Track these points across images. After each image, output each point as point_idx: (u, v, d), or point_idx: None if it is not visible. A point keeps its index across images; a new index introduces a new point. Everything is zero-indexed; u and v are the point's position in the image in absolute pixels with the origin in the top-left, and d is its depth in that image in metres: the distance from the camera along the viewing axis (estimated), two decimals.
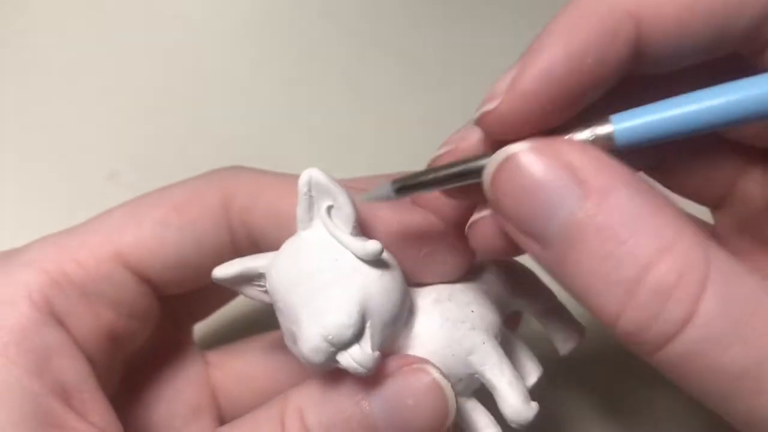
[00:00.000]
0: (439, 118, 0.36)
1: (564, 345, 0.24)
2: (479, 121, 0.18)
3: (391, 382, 0.20)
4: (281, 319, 0.20)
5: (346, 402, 0.20)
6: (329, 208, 0.20)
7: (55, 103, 0.37)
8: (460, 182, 0.19)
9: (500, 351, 0.21)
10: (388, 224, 0.21)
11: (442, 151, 0.20)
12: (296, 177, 0.22)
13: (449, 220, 0.22)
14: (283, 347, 0.25)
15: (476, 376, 0.21)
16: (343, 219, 0.20)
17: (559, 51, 0.17)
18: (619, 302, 0.16)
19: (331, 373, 0.20)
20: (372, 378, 0.19)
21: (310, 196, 0.20)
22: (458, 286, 0.22)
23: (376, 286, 0.19)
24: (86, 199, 0.35)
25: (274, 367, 0.26)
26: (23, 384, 0.20)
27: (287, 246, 0.21)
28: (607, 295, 0.16)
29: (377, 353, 0.19)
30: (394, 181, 0.19)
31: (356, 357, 0.19)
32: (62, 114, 0.37)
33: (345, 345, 0.19)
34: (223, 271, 0.21)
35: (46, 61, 0.38)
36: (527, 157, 0.17)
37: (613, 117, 0.17)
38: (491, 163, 0.17)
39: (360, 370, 0.19)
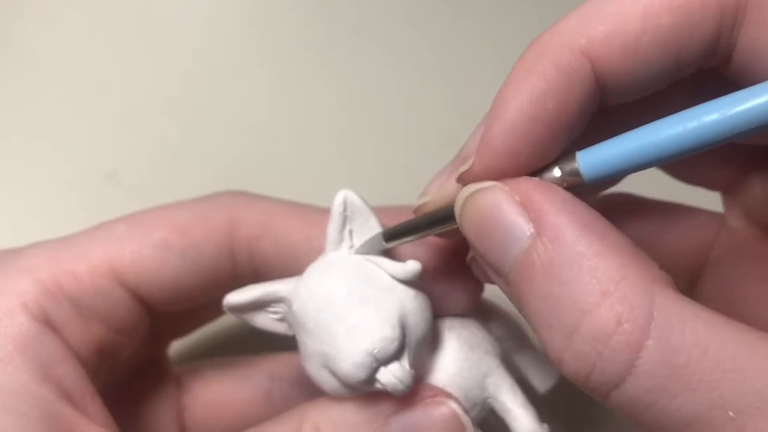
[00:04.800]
0: (440, 119, 0.37)
1: (542, 383, 0.24)
2: (459, 180, 0.19)
3: (412, 412, 0.20)
4: (308, 341, 0.20)
5: (365, 427, 0.20)
6: (351, 232, 0.21)
7: (54, 102, 0.37)
8: (442, 228, 0.19)
9: (511, 375, 0.22)
10: (420, 244, 0.22)
11: (420, 201, 0.20)
12: (304, 206, 0.23)
13: (459, 258, 0.22)
14: (256, 378, 0.26)
15: (489, 400, 0.21)
16: (371, 242, 0.21)
17: (518, 103, 0.17)
18: (559, 347, 0.16)
19: (349, 398, 0.20)
20: (392, 406, 0.20)
21: (345, 217, 0.20)
22: (468, 319, 0.23)
23: (412, 305, 0.20)
24: (85, 199, 0.35)
25: (245, 399, 0.26)
26: (32, 391, 0.20)
27: (316, 266, 0.21)
28: (550, 337, 0.16)
29: (413, 371, 0.19)
30: (384, 232, 0.20)
31: (398, 374, 0.19)
32: (61, 114, 0.36)
33: (388, 360, 0.19)
34: (238, 297, 0.21)
35: (45, 60, 0.38)
36: (484, 195, 0.17)
37: (579, 153, 0.17)
38: (457, 202, 0.18)
39: (400, 387, 0.19)
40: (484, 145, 0.18)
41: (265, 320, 0.21)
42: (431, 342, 0.21)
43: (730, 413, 0.14)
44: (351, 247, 0.21)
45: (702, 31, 0.17)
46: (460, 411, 0.20)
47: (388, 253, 0.21)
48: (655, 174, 0.21)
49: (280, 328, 0.21)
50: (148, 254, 0.22)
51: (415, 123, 0.37)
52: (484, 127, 0.18)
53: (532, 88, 0.17)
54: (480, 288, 0.22)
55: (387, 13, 0.40)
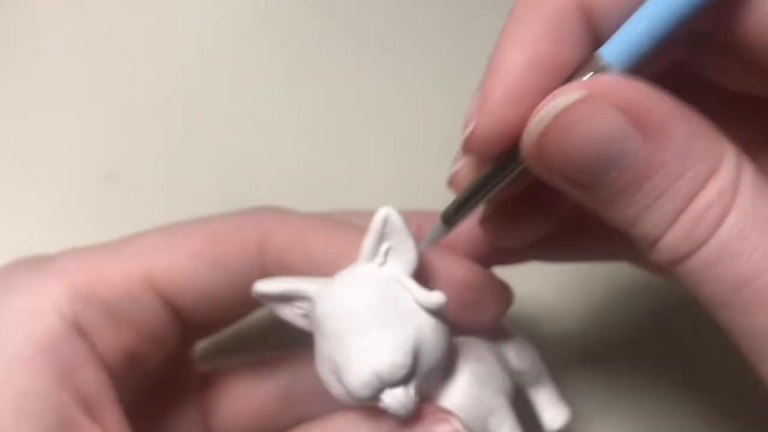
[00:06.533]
0: (444, 120, 0.36)
1: (552, 422, 0.25)
2: (465, 148, 0.18)
3: (414, 428, 0.20)
4: (323, 345, 0.20)
5: None
6: (389, 249, 0.21)
7: (54, 102, 0.37)
8: (500, 181, 0.19)
9: (515, 416, 0.22)
10: (446, 276, 0.22)
11: (454, 168, 0.20)
12: (336, 223, 0.23)
13: (487, 270, 0.23)
14: (278, 374, 0.26)
15: None
16: (404, 262, 0.21)
17: (510, 51, 0.17)
18: (663, 228, 0.17)
19: (350, 412, 0.21)
20: (394, 423, 0.20)
21: (383, 233, 0.21)
22: (483, 345, 0.23)
23: (429, 334, 0.20)
24: (85, 200, 0.35)
25: (266, 396, 0.26)
26: (48, 395, 0.20)
27: (344, 276, 0.21)
28: (652, 223, 0.17)
29: (418, 398, 0.19)
30: (443, 215, 0.20)
31: (401, 398, 0.19)
32: (61, 114, 0.36)
33: (394, 384, 0.19)
34: (267, 286, 0.22)
35: (44, 60, 0.38)
36: (584, 109, 0.16)
37: (600, 51, 0.17)
38: (538, 122, 0.17)
39: (401, 411, 0.19)
40: (483, 101, 0.17)
41: (289, 313, 0.22)
42: (444, 370, 0.21)
43: None
44: (382, 263, 0.21)
45: None
46: (462, 429, 0.20)
47: (419, 276, 0.21)
48: None
49: (302, 323, 0.22)
50: (182, 262, 0.23)
51: (418, 125, 0.37)
52: (482, 86, 0.18)
53: (523, 34, 0.17)
54: (509, 300, 0.23)
55: (390, 17, 0.40)
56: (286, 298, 0.22)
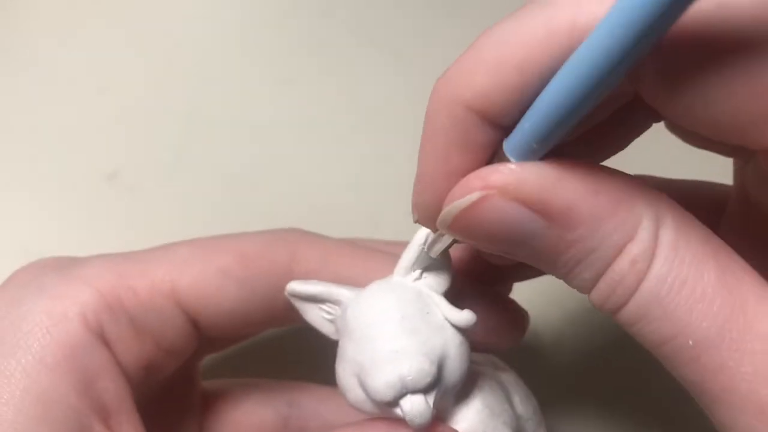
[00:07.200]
0: None
1: None
2: (416, 221, 0.20)
3: None
4: (349, 348, 0.21)
5: None
6: (425, 267, 0.21)
7: (55, 103, 0.37)
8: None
9: None
10: (474, 300, 0.23)
11: (414, 217, 0.21)
12: (360, 246, 0.24)
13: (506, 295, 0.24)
14: (276, 402, 0.27)
15: None
16: (437, 282, 0.22)
17: (427, 164, 0.18)
18: (587, 290, 0.18)
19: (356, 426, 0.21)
20: None
21: (422, 251, 0.21)
22: (496, 383, 0.23)
23: (454, 351, 0.20)
24: (86, 200, 0.35)
25: (264, 422, 0.27)
26: (70, 403, 0.20)
27: (380, 285, 0.21)
28: (576, 284, 0.18)
29: (434, 411, 0.20)
30: (428, 247, 0.21)
31: (420, 407, 0.19)
32: (62, 114, 0.37)
33: (416, 391, 0.19)
34: (301, 286, 0.22)
35: (46, 61, 0.38)
36: (480, 208, 0.17)
37: (504, 142, 0.17)
38: (442, 220, 0.18)
39: (417, 420, 0.19)
40: (415, 203, 0.19)
41: (316, 316, 0.22)
42: (458, 394, 0.22)
43: (690, 342, 0.16)
44: (416, 279, 0.22)
45: None
46: None
47: (450, 295, 0.22)
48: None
49: (326, 328, 0.22)
50: (210, 279, 0.23)
51: (417, 126, 0.37)
52: (414, 183, 0.19)
53: (436, 148, 0.18)
54: (526, 325, 0.24)
55: (389, 17, 0.40)
56: (317, 300, 0.22)
